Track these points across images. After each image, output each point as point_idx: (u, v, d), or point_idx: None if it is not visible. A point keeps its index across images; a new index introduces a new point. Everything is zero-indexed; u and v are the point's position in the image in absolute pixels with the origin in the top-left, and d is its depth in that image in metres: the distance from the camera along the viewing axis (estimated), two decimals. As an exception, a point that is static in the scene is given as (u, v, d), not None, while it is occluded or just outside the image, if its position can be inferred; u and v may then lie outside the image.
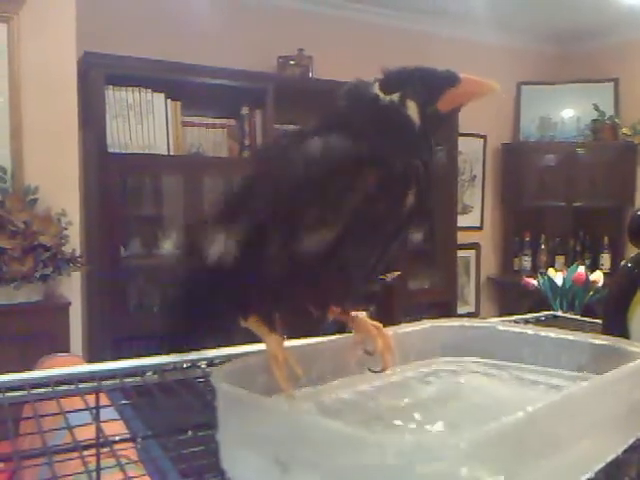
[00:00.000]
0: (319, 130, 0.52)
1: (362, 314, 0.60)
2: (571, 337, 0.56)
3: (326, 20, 3.77)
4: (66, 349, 2.48)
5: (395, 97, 0.53)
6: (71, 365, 1.75)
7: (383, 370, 0.58)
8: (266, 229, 0.50)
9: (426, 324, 0.65)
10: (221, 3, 3.42)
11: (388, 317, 3.80)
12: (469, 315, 4.55)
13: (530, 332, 0.59)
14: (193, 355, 0.71)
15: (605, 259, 4.33)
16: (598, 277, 2.57)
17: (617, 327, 0.63)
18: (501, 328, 0.62)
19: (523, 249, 4.58)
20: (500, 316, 4.73)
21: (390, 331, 0.60)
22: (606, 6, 3.80)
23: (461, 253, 4.33)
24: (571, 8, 3.92)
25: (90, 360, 2.71)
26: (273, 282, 0.52)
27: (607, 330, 0.65)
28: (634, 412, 0.49)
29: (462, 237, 4.21)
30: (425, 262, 3.95)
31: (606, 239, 4.34)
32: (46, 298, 2.57)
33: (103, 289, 2.92)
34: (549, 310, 2.63)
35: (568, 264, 4.20)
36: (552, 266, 4.26)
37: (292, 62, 3.45)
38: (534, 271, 4.33)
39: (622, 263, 0.67)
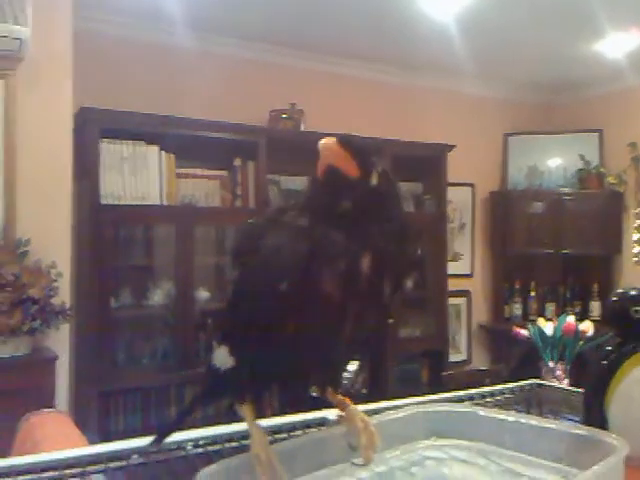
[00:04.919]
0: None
1: (352, 405, 0.61)
2: (550, 426, 0.57)
3: (317, 75, 3.88)
4: (51, 404, 2.43)
5: None
6: (56, 422, 1.72)
7: (365, 464, 0.58)
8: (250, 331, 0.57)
9: (411, 410, 0.66)
10: (215, 59, 3.51)
11: (380, 366, 3.77)
12: (461, 363, 4.53)
13: (511, 419, 0.60)
14: (179, 436, 0.71)
15: (595, 307, 4.35)
16: (587, 327, 2.58)
17: (596, 415, 0.64)
18: (482, 414, 0.63)
19: (513, 296, 4.60)
20: (492, 363, 4.70)
21: (374, 420, 0.60)
22: (589, 59, 3.93)
23: (452, 300, 4.33)
24: (555, 61, 4.05)
25: (76, 416, 2.66)
26: (259, 373, 0.58)
27: (587, 416, 0.66)
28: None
29: (453, 284, 4.23)
30: (416, 310, 3.95)
31: (595, 286, 4.37)
32: (33, 351, 2.53)
33: (91, 342, 2.89)
34: (540, 359, 2.63)
35: (558, 311, 4.21)
36: (542, 314, 4.27)
37: (284, 115, 3.53)
38: (525, 318, 4.34)
39: (600, 342, 0.68)
